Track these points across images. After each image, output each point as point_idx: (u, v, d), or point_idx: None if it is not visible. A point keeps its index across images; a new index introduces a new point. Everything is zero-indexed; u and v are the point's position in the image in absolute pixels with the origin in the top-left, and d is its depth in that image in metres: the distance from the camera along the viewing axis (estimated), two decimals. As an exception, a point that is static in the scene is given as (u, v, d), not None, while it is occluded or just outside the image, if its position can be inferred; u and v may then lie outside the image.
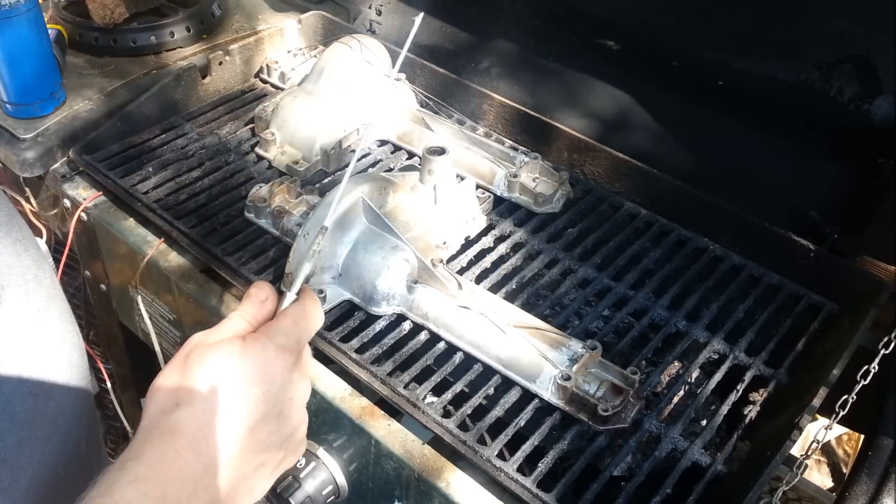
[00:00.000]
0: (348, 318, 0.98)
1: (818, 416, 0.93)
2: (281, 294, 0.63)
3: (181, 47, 1.43)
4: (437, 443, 0.87)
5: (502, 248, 1.11)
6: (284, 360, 0.58)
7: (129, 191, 1.15)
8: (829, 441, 1.96)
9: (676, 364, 0.98)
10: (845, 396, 0.83)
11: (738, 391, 0.94)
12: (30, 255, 0.51)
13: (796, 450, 1.23)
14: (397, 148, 1.29)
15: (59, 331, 0.52)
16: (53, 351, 0.51)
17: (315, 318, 0.62)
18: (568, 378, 0.88)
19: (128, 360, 1.40)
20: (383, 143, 1.30)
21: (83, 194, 1.18)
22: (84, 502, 0.49)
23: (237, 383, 0.55)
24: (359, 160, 1.25)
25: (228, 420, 0.55)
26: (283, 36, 1.48)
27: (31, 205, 1.32)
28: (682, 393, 0.95)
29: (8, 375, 0.48)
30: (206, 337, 0.58)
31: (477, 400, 0.90)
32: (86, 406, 0.54)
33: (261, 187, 1.12)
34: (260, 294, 0.61)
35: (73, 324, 0.54)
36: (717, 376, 0.95)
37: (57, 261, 1.29)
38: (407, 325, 0.98)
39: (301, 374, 0.60)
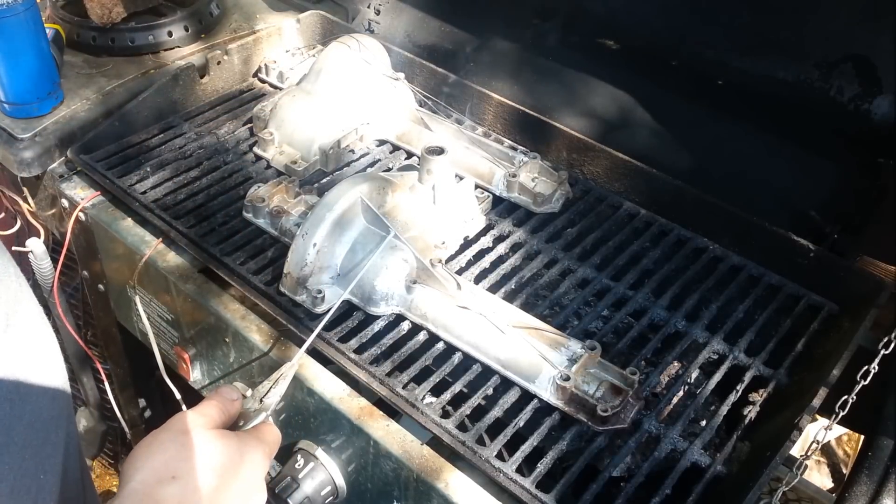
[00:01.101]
0: (347, 319, 0.98)
1: (818, 416, 0.93)
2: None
3: (179, 47, 1.42)
4: (435, 443, 0.86)
5: (501, 248, 1.10)
6: (265, 465, 0.74)
7: (127, 191, 1.14)
8: (828, 441, 1.95)
9: (676, 364, 0.98)
10: (845, 397, 0.83)
11: (737, 391, 0.94)
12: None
13: (796, 450, 1.23)
14: (396, 147, 1.29)
15: (30, 331, 0.52)
16: (25, 352, 0.51)
17: (278, 441, 0.80)
18: (567, 378, 0.88)
19: (126, 361, 1.40)
20: (382, 142, 1.29)
21: (81, 194, 1.18)
22: None
23: (229, 471, 0.70)
24: (357, 160, 1.25)
25: (213, 497, 0.68)
26: (281, 35, 1.48)
27: (29, 205, 1.31)
28: (681, 393, 0.95)
29: None
30: (196, 419, 0.72)
31: (476, 400, 0.90)
32: (62, 407, 0.54)
33: (259, 187, 1.11)
34: (232, 394, 0.77)
35: (45, 324, 0.54)
36: (717, 377, 0.95)
37: (55, 261, 1.29)
38: (406, 326, 0.98)
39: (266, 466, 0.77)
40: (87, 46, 1.38)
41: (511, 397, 0.90)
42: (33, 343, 0.52)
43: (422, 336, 0.97)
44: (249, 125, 1.30)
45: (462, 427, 0.87)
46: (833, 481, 1.94)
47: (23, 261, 1.27)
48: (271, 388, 0.81)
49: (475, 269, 1.06)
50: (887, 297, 1.01)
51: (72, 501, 0.58)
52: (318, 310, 0.97)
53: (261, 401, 0.80)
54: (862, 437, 0.98)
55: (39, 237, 1.32)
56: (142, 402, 1.51)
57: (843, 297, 1.05)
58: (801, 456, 0.81)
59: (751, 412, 0.92)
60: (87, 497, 0.65)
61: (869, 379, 0.84)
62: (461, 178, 1.15)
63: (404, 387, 0.90)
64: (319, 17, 1.49)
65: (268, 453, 0.76)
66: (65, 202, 1.20)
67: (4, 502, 0.47)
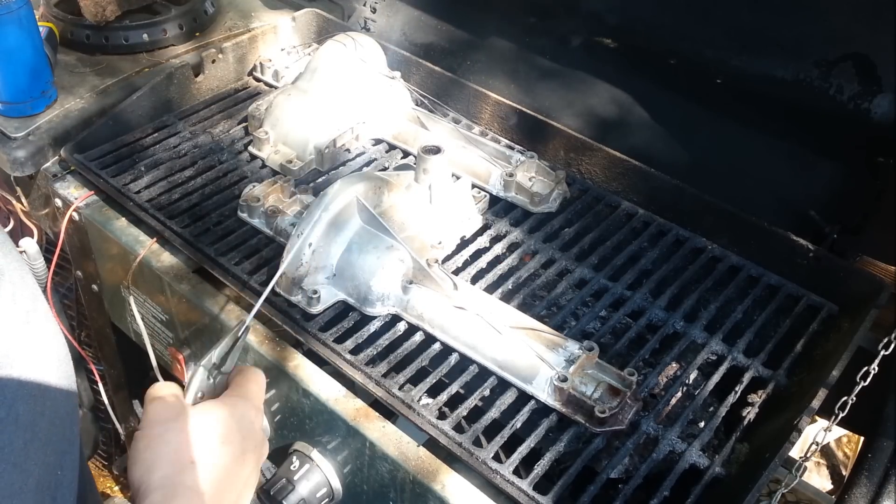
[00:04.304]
0: (342, 319, 0.97)
1: (817, 417, 0.93)
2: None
3: (174, 45, 1.42)
4: (432, 445, 0.86)
5: (498, 248, 1.10)
6: (258, 415, 0.75)
7: (122, 190, 1.14)
8: (828, 443, 1.95)
9: (674, 365, 0.97)
10: (845, 398, 0.82)
11: (736, 392, 0.93)
12: (13, 256, 0.51)
13: (795, 452, 1.22)
14: (392, 147, 1.28)
15: (46, 329, 0.52)
16: (44, 350, 0.51)
17: (263, 380, 0.80)
18: (564, 379, 0.87)
19: (120, 362, 1.39)
20: (378, 141, 1.29)
21: (75, 194, 1.17)
22: None
23: (234, 434, 0.71)
24: (353, 159, 1.24)
25: (233, 468, 0.69)
26: (276, 34, 1.47)
27: (23, 204, 1.30)
28: (679, 394, 0.94)
29: (9, 378, 0.48)
30: (172, 407, 0.71)
31: (472, 401, 0.89)
32: (74, 403, 0.54)
33: (254, 186, 1.11)
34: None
35: (54, 322, 0.54)
36: (716, 377, 0.94)
37: (48, 261, 1.28)
38: (402, 326, 0.97)
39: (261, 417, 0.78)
40: (81, 45, 1.38)
41: (508, 398, 0.89)
42: (48, 340, 0.52)
43: (418, 337, 0.96)
44: (244, 124, 1.29)
45: (459, 428, 0.86)
46: (832, 483, 1.94)
47: (16, 261, 1.26)
48: (222, 351, 0.76)
49: (472, 270, 1.06)
50: (887, 297, 1.00)
51: (80, 499, 0.58)
52: (314, 310, 0.96)
53: (219, 368, 0.76)
54: (862, 438, 0.97)
55: (33, 237, 1.31)
56: (136, 404, 1.50)
57: (842, 297, 1.04)
58: (801, 457, 0.81)
59: (750, 413, 0.92)
60: (87, 493, 0.65)
61: (869, 380, 0.83)
62: (458, 178, 1.14)
63: (400, 388, 0.89)
64: (315, 16, 1.49)
65: (255, 403, 0.76)
66: (58, 202, 1.19)
67: (30, 497, 0.47)
